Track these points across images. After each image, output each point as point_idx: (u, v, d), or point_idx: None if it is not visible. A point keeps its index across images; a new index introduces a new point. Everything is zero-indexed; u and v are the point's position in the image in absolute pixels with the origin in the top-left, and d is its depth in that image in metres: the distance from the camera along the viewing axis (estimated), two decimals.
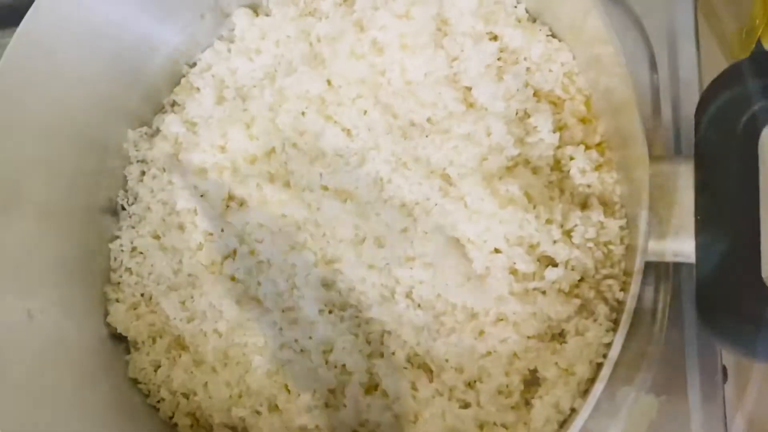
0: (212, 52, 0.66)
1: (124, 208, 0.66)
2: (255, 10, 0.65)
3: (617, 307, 0.50)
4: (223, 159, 0.60)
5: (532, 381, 0.51)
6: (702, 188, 0.41)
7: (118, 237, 0.65)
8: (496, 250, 0.51)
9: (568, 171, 0.53)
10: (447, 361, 0.52)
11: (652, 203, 0.40)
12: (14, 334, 0.55)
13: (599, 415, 0.56)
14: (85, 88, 0.62)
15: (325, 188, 0.58)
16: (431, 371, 0.54)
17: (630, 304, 0.39)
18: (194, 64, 0.68)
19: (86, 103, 0.62)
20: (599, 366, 0.48)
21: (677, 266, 0.57)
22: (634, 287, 0.38)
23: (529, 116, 0.54)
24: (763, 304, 0.39)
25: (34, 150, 0.58)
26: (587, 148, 0.53)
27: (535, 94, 0.54)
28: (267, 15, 0.64)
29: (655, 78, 0.61)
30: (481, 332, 0.52)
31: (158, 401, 0.61)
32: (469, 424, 0.50)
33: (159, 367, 0.61)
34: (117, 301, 0.63)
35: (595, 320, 0.49)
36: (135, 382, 0.62)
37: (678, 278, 0.57)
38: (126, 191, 0.66)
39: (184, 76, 0.67)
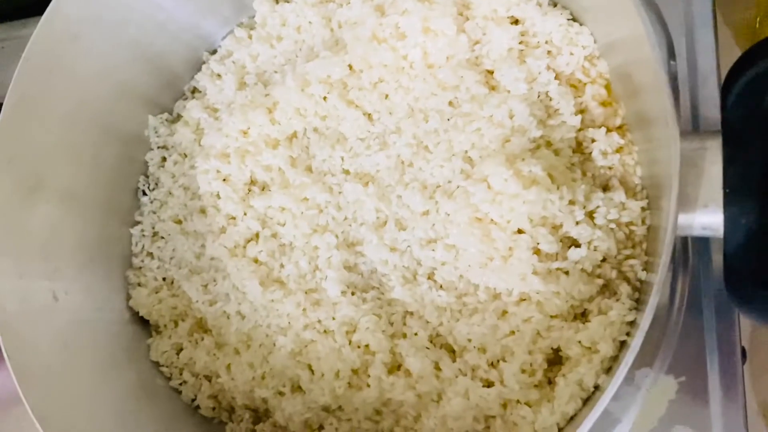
0: (233, 39, 0.67)
1: (145, 194, 0.67)
2: None
3: (639, 287, 0.50)
4: (245, 143, 0.61)
5: (555, 360, 0.52)
6: (730, 161, 0.42)
7: (139, 222, 0.66)
8: (520, 231, 0.51)
9: (590, 153, 0.53)
10: (470, 341, 0.53)
11: (680, 176, 0.40)
12: (41, 315, 0.55)
13: (619, 396, 0.56)
14: (108, 74, 0.62)
15: (347, 172, 0.59)
16: (453, 351, 0.54)
17: (661, 276, 0.39)
18: (215, 51, 0.68)
19: (108, 89, 0.63)
20: (622, 344, 0.48)
21: (696, 248, 0.57)
22: (665, 257, 0.38)
23: (550, 99, 0.54)
24: None
25: (58, 135, 0.59)
26: (608, 130, 0.53)
27: (556, 78, 0.55)
28: (287, 1, 0.65)
29: (673, 65, 0.61)
30: (504, 312, 0.52)
31: (180, 384, 0.61)
32: (493, 403, 0.51)
33: (181, 350, 0.62)
34: (139, 285, 0.64)
35: (617, 300, 0.49)
36: (157, 365, 0.62)
37: (697, 261, 0.58)
38: (147, 177, 0.67)
39: (204, 62, 0.68)
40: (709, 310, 0.57)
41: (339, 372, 0.55)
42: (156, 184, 0.67)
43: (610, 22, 0.51)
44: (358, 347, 0.55)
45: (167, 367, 0.62)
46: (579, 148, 0.54)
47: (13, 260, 0.54)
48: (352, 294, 0.56)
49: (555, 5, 0.56)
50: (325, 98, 0.59)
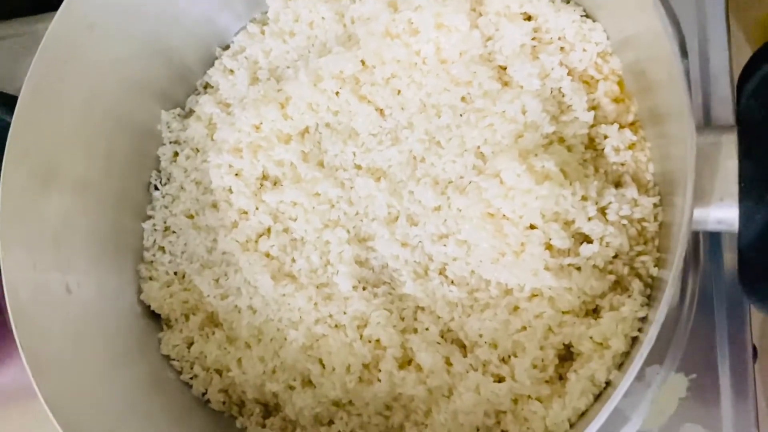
0: (245, 35, 0.67)
1: (157, 188, 0.67)
2: None
3: (651, 283, 0.50)
4: (257, 138, 0.61)
5: (567, 355, 0.52)
6: (745, 156, 0.42)
7: (151, 216, 0.66)
8: (532, 226, 0.51)
9: (602, 149, 0.53)
10: (481, 336, 0.53)
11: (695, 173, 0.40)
12: (53, 306, 0.56)
13: (629, 393, 0.56)
14: (122, 68, 0.63)
15: (359, 167, 0.59)
16: (465, 346, 0.54)
17: (675, 271, 0.39)
18: (227, 47, 0.69)
19: (122, 83, 0.63)
20: (634, 340, 0.48)
21: (707, 245, 0.57)
22: (681, 249, 0.38)
23: (563, 95, 0.54)
24: None
25: (72, 128, 0.59)
26: (621, 127, 0.53)
27: (569, 74, 0.55)
28: None
29: (686, 63, 0.61)
30: (516, 308, 0.52)
31: (191, 378, 0.62)
32: (504, 398, 0.51)
33: (192, 343, 0.62)
34: (150, 278, 0.64)
35: (629, 296, 0.49)
36: (168, 358, 0.62)
37: (707, 259, 0.58)
38: (159, 171, 0.68)
39: (217, 58, 0.68)
40: (720, 307, 0.57)
41: (350, 366, 0.55)
42: (168, 178, 0.67)
43: (624, 18, 0.52)
44: (369, 342, 0.55)
45: (178, 360, 0.62)
46: (591, 144, 0.55)
47: (27, 252, 0.55)
48: (364, 289, 0.56)
49: (568, 2, 0.56)
50: (337, 93, 0.60)
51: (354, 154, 0.59)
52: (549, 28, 0.56)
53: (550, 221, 0.51)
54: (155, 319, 0.64)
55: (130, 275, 0.64)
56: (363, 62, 0.59)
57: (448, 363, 0.53)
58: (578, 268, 0.51)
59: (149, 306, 0.63)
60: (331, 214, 0.58)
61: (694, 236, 0.57)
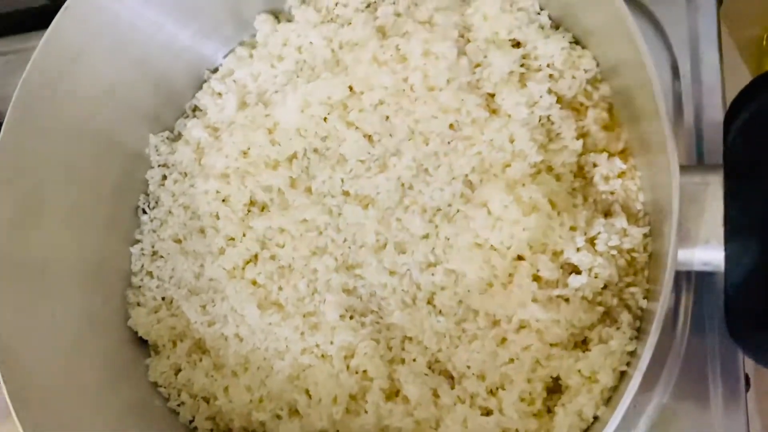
0: (234, 58, 0.67)
1: (145, 212, 0.67)
2: (277, 15, 0.66)
3: (640, 315, 0.50)
4: (245, 164, 0.60)
5: (555, 388, 0.51)
6: (731, 197, 0.41)
7: (139, 241, 0.66)
8: (520, 257, 0.51)
9: (592, 178, 0.53)
10: (469, 367, 0.52)
11: (680, 212, 0.39)
12: (40, 334, 0.55)
13: (623, 422, 0.55)
14: (109, 92, 0.62)
15: (347, 193, 0.58)
16: (453, 378, 0.54)
17: (660, 314, 0.39)
18: (216, 70, 0.68)
19: (109, 107, 0.63)
20: (623, 374, 0.48)
21: (699, 275, 0.56)
22: (664, 297, 0.38)
23: (552, 123, 0.54)
24: None
25: (58, 153, 0.59)
26: (610, 155, 0.53)
27: (558, 101, 0.54)
28: (289, 21, 0.65)
29: (677, 85, 0.61)
30: (504, 339, 0.52)
31: (178, 405, 0.61)
32: (491, 431, 0.50)
33: (179, 370, 0.62)
34: (138, 304, 0.64)
35: (618, 328, 0.49)
36: (155, 385, 0.62)
37: (700, 287, 0.57)
38: (147, 195, 0.67)
39: (205, 81, 0.68)
40: (712, 336, 0.56)
41: (336, 397, 0.54)
42: (156, 202, 0.66)
43: (612, 45, 0.51)
44: (356, 373, 0.54)
45: (165, 387, 0.62)
46: (580, 172, 0.54)
47: (13, 281, 0.54)
48: (351, 318, 0.56)
49: (557, 28, 0.56)
50: (325, 119, 0.59)
51: (342, 181, 0.58)
52: (538, 55, 0.55)
53: (537, 252, 0.50)
54: (142, 345, 0.64)
55: (117, 301, 0.64)
56: (351, 88, 0.59)
57: (436, 395, 0.53)
58: (566, 300, 0.50)
59: (136, 332, 0.63)
60: (319, 241, 0.58)
61: None
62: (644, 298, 0.49)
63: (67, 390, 0.55)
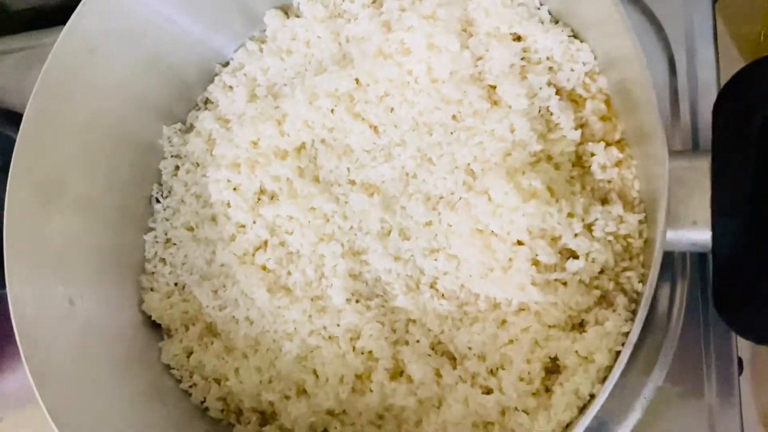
0: (244, 52, 0.69)
1: (158, 201, 0.69)
2: (285, 11, 0.68)
3: (636, 298, 0.51)
4: (255, 154, 0.62)
5: (553, 369, 0.53)
6: (718, 181, 0.43)
7: (152, 229, 0.68)
8: (519, 242, 0.53)
9: (589, 167, 0.55)
10: (470, 348, 0.54)
11: (670, 196, 0.41)
12: (57, 319, 0.57)
13: (619, 404, 0.58)
14: (124, 85, 0.64)
15: (353, 182, 0.60)
16: (455, 359, 0.56)
17: (648, 291, 0.41)
18: (227, 63, 0.70)
19: (124, 100, 0.65)
20: (618, 354, 0.49)
21: (694, 262, 0.58)
22: (653, 274, 0.40)
23: (551, 114, 0.56)
24: None
25: (75, 145, 0.61)
26: (608, 144, 0.54)
27: (557, 93, 0.56)
28: (297, 16, 0.67)
29: (674, 80, 0.63)
30: (504, 322, 0.54)
31: (190, 386, 0.63)
32: (492, 410, 0.52)
33: (191, 353, 0.64)
34: (151, 290, 0.66)
35: (614, 310, 0.51)
36: (168, 367, 0.64)
37: (695, 273, 0.59)
38: (161, 185, 0.69)
39: (217, 74, 0.70)
40: (706, 320, 0.58)
41: (343, 377, 0.56)
42: (169, 192, 0.69)
43: (608, 39, 0.53)
44: (362, 354, 0.56)
45: (178, 369, 0.64)
46: (579, 161, 0.56)
47: (32, 266, 0.57)
48: (357, 302, 0.58)
49: (556, 22, 0.58)
50: (332, 111, 0.61)
51: (348, 170, 0.61)
52: (538, 48, 0.57)
53: (537, 237, 0.52)
54: (155, 329, 0.66)
55: (130, 287, 0.66)
56: (357, 81, 0.61)
57: (438, 375, 0.55)
58: (564, 284, 0.52)
59: (150, 316, 0.65)
60: (326, 228, 0.60)
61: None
62: (639, 281, 0.51)
63: (83, 371, 0.57)
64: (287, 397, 0.59)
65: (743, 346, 0.59)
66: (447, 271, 0.56)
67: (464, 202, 0.55)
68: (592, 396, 0.50)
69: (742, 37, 0.77)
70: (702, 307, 0.58)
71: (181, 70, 0.68)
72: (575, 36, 0.57)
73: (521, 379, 0.52)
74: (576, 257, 0.52)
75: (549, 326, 0.52)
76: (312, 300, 0.58)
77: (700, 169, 0.44)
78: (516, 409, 0.52)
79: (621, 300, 0.51)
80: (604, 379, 0.50)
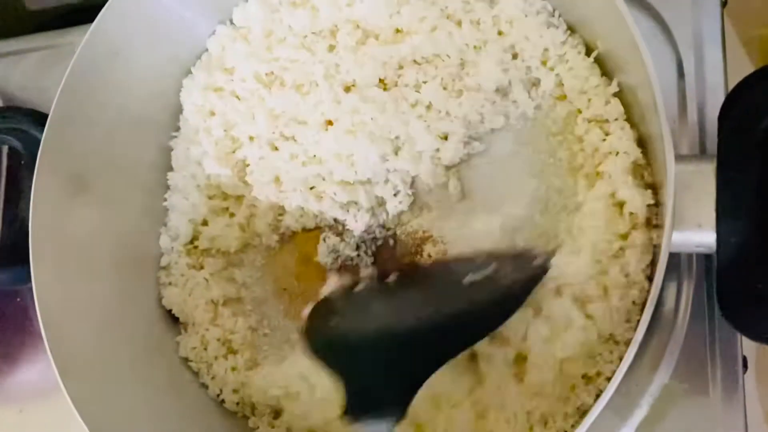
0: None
1: None
2: None
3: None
4: None
5: None
6: (723, 184, 0.44)
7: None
8: None
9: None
10: None
11: (677, 199, 0.43)
12: (78, 312, 0.59)
13: (625, 401, 0.59)
14: (144, 85, 0.66)
15: None
16: None
17: (654, 291, 0.42)
18: None
19: (145, 98, 0.67)
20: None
21: (700, 262, 0.59)
22: (659, 274, 0.41)
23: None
24: None
25: (98, 141, 0.63)
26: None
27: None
28: None
29: (682, 82, 0.63)
30: None
31: (211, 378, 0.65)
32: None
33: (208, 346, 0.65)
34: (170, 284, 0.67)
35: None
36: (186, 360, 0.66)
37: (701, 273, 0.60)
38: None
39: None
40: (711, 320, 0.59)
41: None
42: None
43: (616, 43, 0.54)
44: None
45: (195, 362, 0.65)
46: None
47: (56, 260, 0.58)
48: None
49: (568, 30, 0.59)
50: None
51: None
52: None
53: None
54: (174, 322, 0.67)
55: (149, 281, 0.67)
56: None
57: None
58: None
59: (169, 310, 0.67)
60: None
61: None
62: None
63: (104, 363, 0.59)
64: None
65: (748, 346, 0.60)
66: None
67: None
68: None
69: (751, 40, 0.78)
70: (707, 306, 0.59)
71: None
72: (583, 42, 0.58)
73: None
74: None
75: None
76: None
77: (706, 173, 0.46)
78: None
79: None
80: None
